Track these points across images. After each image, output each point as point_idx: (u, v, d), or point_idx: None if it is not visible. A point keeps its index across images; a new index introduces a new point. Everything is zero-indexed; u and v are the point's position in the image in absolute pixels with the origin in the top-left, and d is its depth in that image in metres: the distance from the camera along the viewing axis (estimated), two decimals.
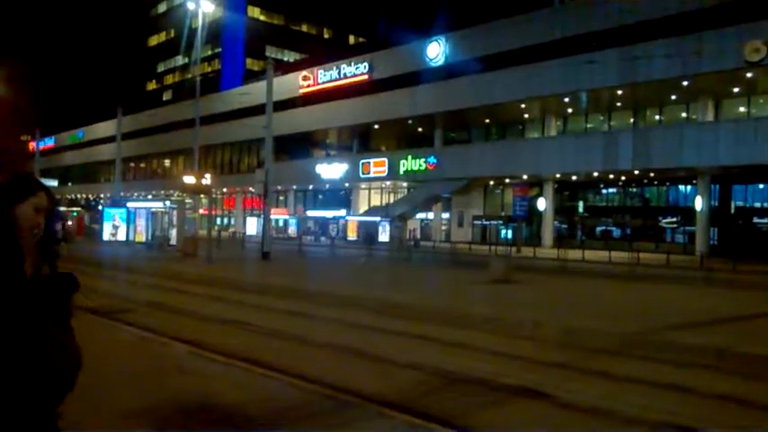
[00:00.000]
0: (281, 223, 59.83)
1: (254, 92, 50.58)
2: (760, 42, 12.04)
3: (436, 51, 46.08)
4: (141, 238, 35.08)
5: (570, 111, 44.18)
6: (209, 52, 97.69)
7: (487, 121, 49.65)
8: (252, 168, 60.44)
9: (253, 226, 59.47)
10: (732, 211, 40.56)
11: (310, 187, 61.03)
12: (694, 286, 18.61)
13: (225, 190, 67.73)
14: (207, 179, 25.94)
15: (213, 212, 67.25)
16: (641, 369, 7.59)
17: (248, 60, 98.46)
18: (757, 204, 39.82)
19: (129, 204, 38.55)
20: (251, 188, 60.03)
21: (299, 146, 59.95)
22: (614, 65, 34.90)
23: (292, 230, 57.92)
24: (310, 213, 61.86)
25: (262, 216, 31.05)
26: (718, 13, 31.43)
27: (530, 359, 8.00)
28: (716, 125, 36.22)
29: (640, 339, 9.14)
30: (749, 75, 31.29)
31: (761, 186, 39.35)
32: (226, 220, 72.38)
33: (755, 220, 39.12)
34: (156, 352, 7.68)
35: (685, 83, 35.37)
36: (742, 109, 38.20)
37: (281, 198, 64.90)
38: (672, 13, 33.66)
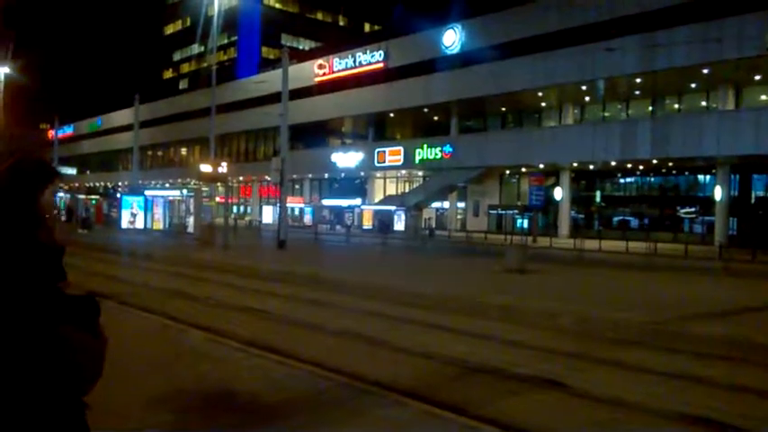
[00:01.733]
0: (296, 212, 60.10)
1: (269, 80, 50.64)
2: None
3: (452, 39, 45.77)
4: (159, 225, 35.45)
5: (588, 99, 43.73)
6: (225, 41, 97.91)
7: (504, 109, 49.32)
8: (268, 157, 60.53)
9: (269, 214, 59.88)
10: (752, 201, 40.03)
11: (326, 176, 61.17)
12: (712, 277, 18.44)
13: (241, 178, 68.01)
14: (223, 167, 26.11)
15: (230, 201, 67.66)
16: (657, 359, 7.56)
17: (264, 49, 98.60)
18: None
19: (147, 192, 38.93)
20: (267, 176, 60.21)
21: (315, 134, 60.01)
22: (633, 52, 34.44)
23: (308, 219, 58.17)
24: (326, 202, 62.06)
25: (278, 204, 31.19)
26: (738, 0, 30.91)
27: (545, 349, 8.00)
28: (736, 114, 35.70)
29: (656, 329, 9.10)
30: None
31: None
32: (242, 209, 72.80)
33: None
34: (175, 339, 7.79)
35: (705, 71, 34.86)
36: (763, 97, 37.61)
37: (297, 187, 65.08)
38: (692, 0, 33.12)
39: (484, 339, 8.60)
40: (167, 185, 65.29)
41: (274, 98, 39.47)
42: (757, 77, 35.75)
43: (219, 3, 38.99)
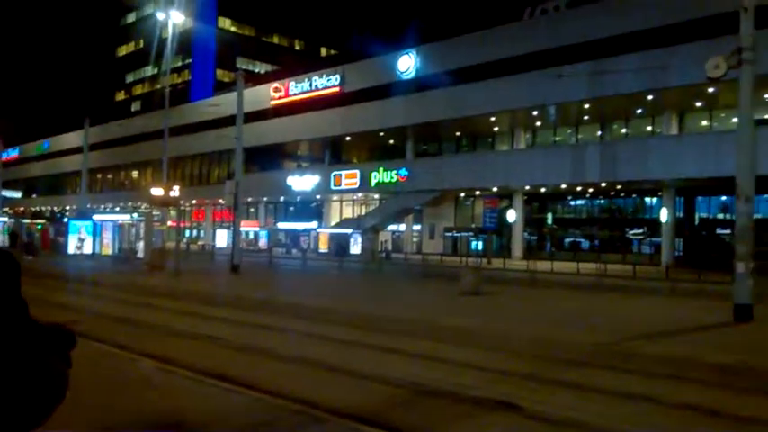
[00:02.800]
0: (251, 235, 59.38)
1: (224, 103, 50.25)
2: (720, 58, 12.37)
3: (407, 64, 46.39)
4: (108, 251, 34.46)
5: (539, 124, 44.83)
6: (180, 63, 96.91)
7: (458, 133, 50.10)
8: (222, 180, 59.76)
9: (222, 238, 58.92)
10: (696, 222, 41.54)
11: (281, 199, 60.70)
12: (660, 297, 18.94)
13: (194, 202, 66.96)
14: (175, 191, 25.60)
15: (182, 224, 66.39)
16: (609, 379, 7.67)
17: (219, 71, 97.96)
18: (720, 216, 40.79)
19: (96, 217, 37.87)
20: (221, 200, 59.51)
21: (270, 157, 59.64)
22: (582, 79, 35.54)
23: (263, 243, 57.52)
24: (281, 225, 61.51)
25: (231, 228, 30.74)
26: (682, 30, 32.33)
27: (500, 371, 8.02)
28: (680, 138, 37.13)
29: (608, 349, 9.25)
30: (711, 90, 32.17)
31: (723, 198, 40.32)
32: (195, 233, 71.47)
33: (719, 231, 40.07)
34: (123, 368, 7.51)
35: (650, 97, 36.22)
36: (705, 123, 39.23)
37: (252, 210, 64.37)
38: (638, 29, 34.47)
39: (439, 362, 8.57)
40: (117, 209, 63.72)
41: (229, 121, 39.12)
42: (699, 104, 37.34)
43: (174, 25, 38.56)
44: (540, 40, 38.83)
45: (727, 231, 39.29)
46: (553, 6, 40.69)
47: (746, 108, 12.61)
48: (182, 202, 43.79)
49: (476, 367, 8.21)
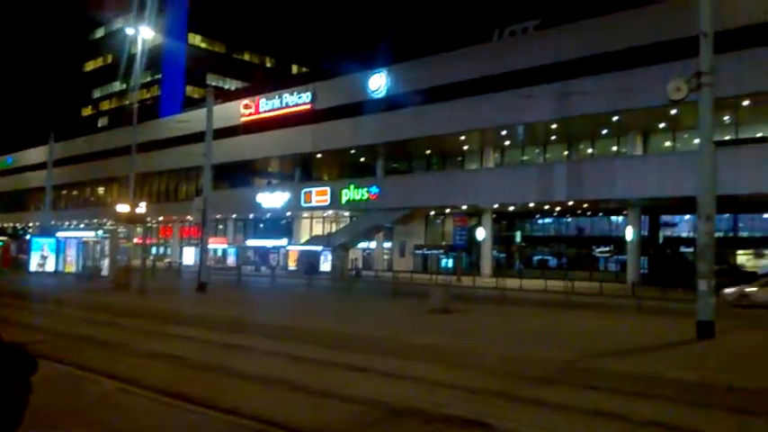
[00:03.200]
0: (219, 253, 58.68)
1: (193, 119, 49.89)
2: (681, 81, 12.72)
3: (378, 83, 46.69)
4: (71, 268, 33.64)
5: (507, 143, 45.41)
6: (149, 78, 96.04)
7: (428, 152, 50.46)
8: (190, 196, 59.14)
9: (190, 256, 58.12)
10: (660, 240, 42.39)
11: (251, 216, 60.20)
12: (625, 314, 19.20)
13: (161, 218, 65.98)
14: (142, 207, 25.22)
15: (148, 242, 65.30)
16: (577, 396, 7.72)
17: (188, 88, 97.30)
18: (684, 234, 41.68)
19: (59, 234, 37.02)
20: (188, 217, 58.82)
21: (240, 174, 59.24)
22: (549, 99, 36.19)
23: (231, 260, 56.88)
24: (250, 243, 60.95)
25: (199, 245, 30.31)
26: (645, 53, 33.25)
27: (469, 389, 8.02)
28: (644, 159, 37.96)
29: (575, 367, 9.32)
30: (673, 111, 33.04)
31: (687, 217, 41.27)
32: (162, 250, 70.33)
33: (682, 249, 40.93)
34: (84, 389, 7.31)
35: (615, 118, 37.03)
36: (668, 144, 40.21)
37: (221, 227, 63.69)
38: (603, 52, 35.34)
39: (409, 381, 8.53)
40: (82, 226, 62.43)
41: (198, 137, 38.80)
42: (662, 125, 38.28)
43: (143, 41, 38.24)
44: (509, 61, 39.49)
45: (691, 249, 40.21)
46: (521, 29, 41.47)
47: (707, 130, 12.96)
48: (148, 218, 43.14)
49: (445, 385, 8.19)
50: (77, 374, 8.23)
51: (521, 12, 46.28)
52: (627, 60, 34.08)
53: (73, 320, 15.39)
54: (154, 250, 67.95)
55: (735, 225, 39.94)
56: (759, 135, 35.99)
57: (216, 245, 58.17)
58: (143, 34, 36.54)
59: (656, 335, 13.42)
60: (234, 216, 61.07)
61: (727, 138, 36.21)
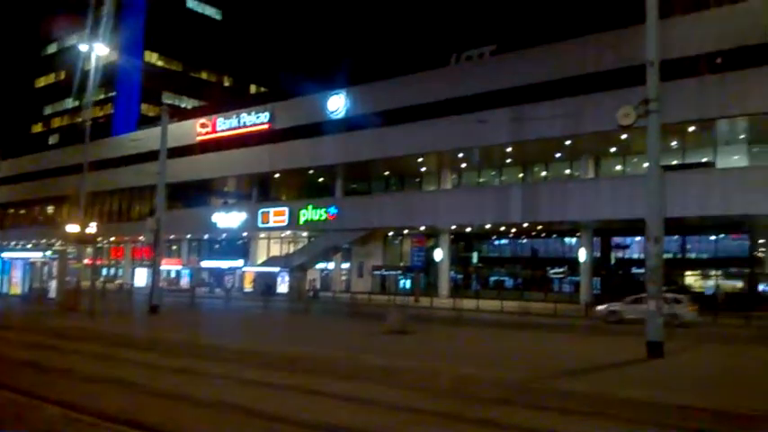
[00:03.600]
0: (173, 274, 57.47)
1: (147, 137, 49.13)
2: (630, 108, 13.17)
3: (337, 104, 46.88)
4: (17, 290, 32.45)
5: (464, 165, 46.04)
6: (102, 96, 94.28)
7: (387, 173, 50.74)
8: (143, 216, 57.91)
9: (142, 277, 56.78)
10: (612, 261, 43.39)
11: (206, 236, 59.25)
12: (579, 334, 19.54)
13: (113, 239, 64.35)
14: (92, 227, 24.54)
15: (99, 263, 63.48)
16: (529, 417, 7.78)
17: (144, 106, 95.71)
18: (635, 255, 42.77)
19: (5, 254, 35.71)
20: (141, 237, 57.54)
21: (196, 193, 58.39)
22: (505, 123, 36.96)
23: (185, 282, 55.76)
24: (205, 264, 59.90)
25: (151, 267, 29.61)
26: (596, 80, 34.39)
27: (422, 411, 8.00)
28: (596, 182, 38.99)
29: (528, 387, 9.40)
30: (624, 136, 34.12)
31: (638, 239, 42.38)
32: (113, 271, 68.47)
33: (634, 270, 41.94)
34: (25, 416, 7.01)
35: (568, 142, 38.01)
36: (619, 167, 41.39)
37: (174, 248, 62.45)
38: (556, 78, 36.38)
39: (364, 403, 8.47)
40: (30, 246, 60.34)
41: (153, 156, 38.23)
42: (613, 150, 39.43)
43: (97, 57, 37.56)
44: (466, 85, 40.24)
45: (642, 270, 41.25)
46: (478, 54, 42.33)
47: (654, 154, 13.39)
48: (99, 239, 41.95)
49: (399, 408, 8.16)
50: (21, 401, 7.91)
51: (477, 37, 47.34)
52: (579, 86, 35.19)
53: (16, 344, 14.80)
54: (104, 272, 66.15)
55: (683, 247, 41.19)
56: (704, 160, 37.36)
57: (169, 266, 57.01)
58: (97, 51, 35.89)
59: (607, 355, 13.67)
60: (188, 236, 60.01)
61: (674, 162, 37.54)
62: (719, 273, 39.93)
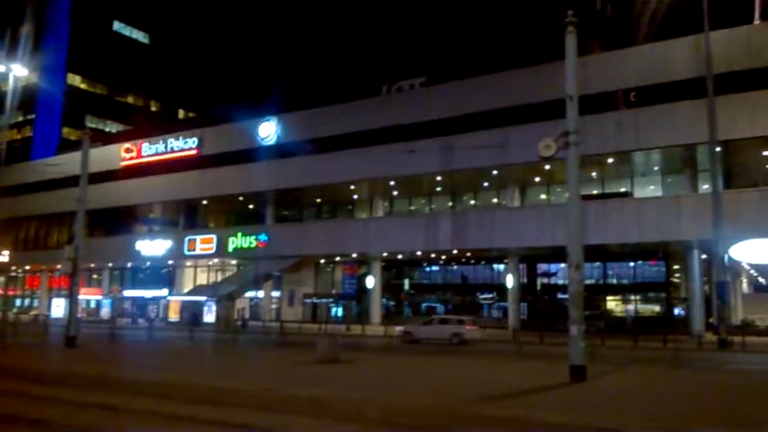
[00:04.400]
0: (92, 304, 54.88)
1: (69, 162, 47.08)
2: (551, 140, 13.72)
3: (268, 131, 46.55)
4: None
5: (396, 193, 46.51)
6: (21, 118, 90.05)
7: (319, 200, 50.57)
8: (62, 244, 55.20)
9: (60, 308, 53.96)
10: (538, 287, 44.62)
11: (129, 265, 57.04)
12: (506, 359, 19.86)
13: (28, 267, 60.96)
14: (5, 256, 23.18)
15: (12, 293, 60.00)
16: None
17: (66, 129, 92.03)
18: (561, 281, 44.13)
19: None
20: (59, 266, 54.79)
21: (119, 220, 56.26)
22: (434, 153, 37.73)
23: (106, 312, 53.33)
24: (128, 293, 57.51)
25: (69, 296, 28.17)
26: (521, 113, 35.73)
27: None
28: (522, 210, 40.21)
29: (455, 413, 9.44)
30: (547, 167, 35.43)
31: (562, 265, 43.78)
32: (28, 302, 64.68)
33: (559, 295, 43.23)
34: None
35: (495, 172, 39.12)
36: (543, 197, 42.86)
37: (96, 277, 59.78)
38: (483, 110, 37.56)
39: None
40: None
41: (74, 181, 36.54)
42: (538, 179, 40.83)
43: (16, 78, 35.94)
44: (397, 115, 40.92)
45: (566, 296, 42.59)
46: (408, 85, 43.19)
47: (574, 184, 13.95)
48: (13, 267, 39.72)
49: None
50: None
51: (408, 69, 48.30)
52: (505, 118, 36.49)
53: None
54: (18, 302, 62.44)
55: (605, 273, 42.84)
56: (622, 190, 39.22)
57: (89, 296, 54.47)
58: (15, 72, 34.39)
59: (532, 379, 13.94)
60: (110, 265, 57.61)
61: (595, 192, 39.22)
62: (638, 297, 41.75)
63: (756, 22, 33.90)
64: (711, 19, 28.87)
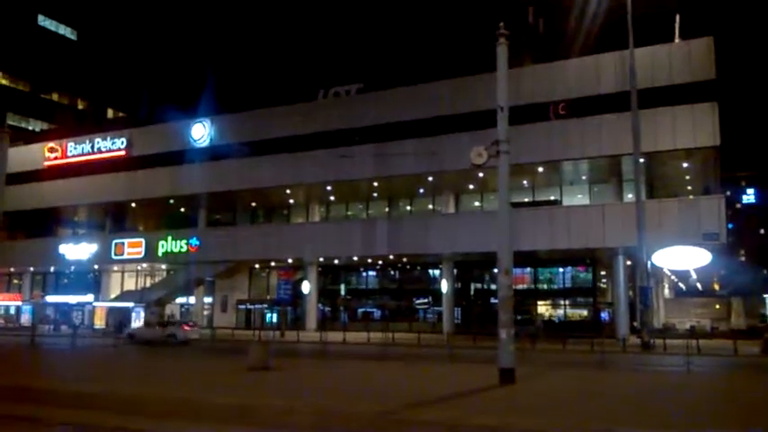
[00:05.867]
0: (12, 311, 52.13)
1: None
2: (482, 148, 14.00)
3: (201, 133, 45.52)
4: None
5: (332, 198, 46.34)
6: None
7: (254, 204, 49.78)
8: None
9: None
10: (472, 292, 45.39)
11: (52, 269, 54.47)
12: (439, 363, 20.07)
13: None
14: None
15: None
16: None
17: None
18: (494, 286, 45.00)
19: None
20: None
21: (41, 223, 53.74)
22: (370, 159, 37.88)
23: (27, 318, 50.74)
24: (50, 299, 54.89)
25: None
26: (454, 121, 36.43)
27: None
28: (456, 216, 40.86)
29: (387, 418, 9.44)
30: (480, 175, 36.17)
31: (495, 270, 44.66)
32: None
33: (492, 300, 44.09)
34: None
35: (430, 178, 39.61)
36: (477, 203, 43.68)
37: (16, 281, 56.80)
38: (418, 118, 38.05)
39: None
40: None
41: None
42: (471, 186, 41.58)
43: None
44: (333, 120, 40.88)
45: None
46: (345, 90, 43.17)
47: (504, 192, 14.27)
48: None
49: None
50: None
51: (344, 75, 48.25)
52: (439, 126, 37.12)
53: None
54: None
55: (535, 278, 44.00)
56: (552, 198, 40.45)
57: (7, 302, 51.73)
58: None
59: (464, 383, 14.12)
60: (32, 269, 54.86)
61: (525, 200, 40.29)
62: (567, 302, 43.08)
63: (677, 40, 35.79)
64: (636, 36, 30.23)
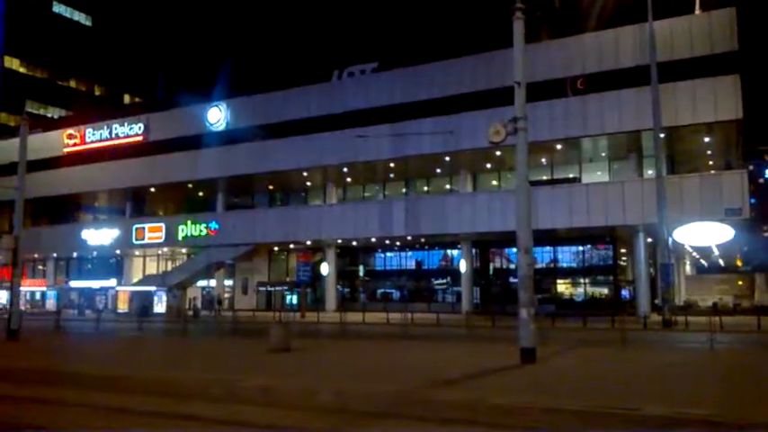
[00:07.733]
0: (37, 296, 53.07)
1: (6, 149, 45.22)
2: (500, 125, 13.82)
3: (217, 116, 45.63)
4: None
5: (349, 180, 46.34)
6: None
7: (271, 187, 49.97)
8: (1, 234, 53.20)
9: (1, 300, 51.90)
10: (491, 272, 45.28)
11: (75, 255, 55.30)
12: (459, 343, 20.09)
13: None
14: None
15: None
16: (406, 428, 7.81)
17: (4, 115, 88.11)
18: (512, 266, 44.87)
19: None
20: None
21: (63, 209, 54.52)
22: (387, 139, 37.69)
23: (52, 303, 51.65)
24: (74, 284, 55.82)
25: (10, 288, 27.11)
26: (472, 99, 35.99)
27: (301, 429, 7.81)
28: (473, 196, 40.63)
29: (408, 398, 9.46)
30: (498, 153, 35.86)
31: (514, 250, 44.50)
32: None
33: (511, 279, 43.98)
34: None
35: (447, 158, 39.35)
36: (494, 183, 43.39)
37: (40, 267, 57.77)
38: (435, 97, 37.68)
39: (239, 426, 8.14)
40: None
41: (12, 169, 35.11)
42: (488, 165, 41.29)
43: None
44: (349, 101, 40.67)
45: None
46: (360, 70, 42.91)
47: (523, 170, 14.11)
48: None
49: (276, 427, 7.92)
50: None
51: (360, 54, 47.96)
52: (456, 105, 36.70)
53: None
54: None
55: (555, 257, 43.77)
56: (571, 175, 40.04)
57: (33, 287, 52.67)
58: None
59: (484, 362, 14.10)
60: (55, 255, 55.73)
61: (544, 178, 39.91)
62: (587, 280, 42.83)
63: (697, 11, 34.94)
64: (656, 8, 29.58)
